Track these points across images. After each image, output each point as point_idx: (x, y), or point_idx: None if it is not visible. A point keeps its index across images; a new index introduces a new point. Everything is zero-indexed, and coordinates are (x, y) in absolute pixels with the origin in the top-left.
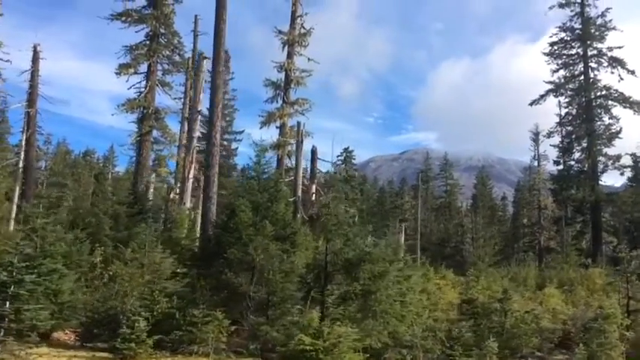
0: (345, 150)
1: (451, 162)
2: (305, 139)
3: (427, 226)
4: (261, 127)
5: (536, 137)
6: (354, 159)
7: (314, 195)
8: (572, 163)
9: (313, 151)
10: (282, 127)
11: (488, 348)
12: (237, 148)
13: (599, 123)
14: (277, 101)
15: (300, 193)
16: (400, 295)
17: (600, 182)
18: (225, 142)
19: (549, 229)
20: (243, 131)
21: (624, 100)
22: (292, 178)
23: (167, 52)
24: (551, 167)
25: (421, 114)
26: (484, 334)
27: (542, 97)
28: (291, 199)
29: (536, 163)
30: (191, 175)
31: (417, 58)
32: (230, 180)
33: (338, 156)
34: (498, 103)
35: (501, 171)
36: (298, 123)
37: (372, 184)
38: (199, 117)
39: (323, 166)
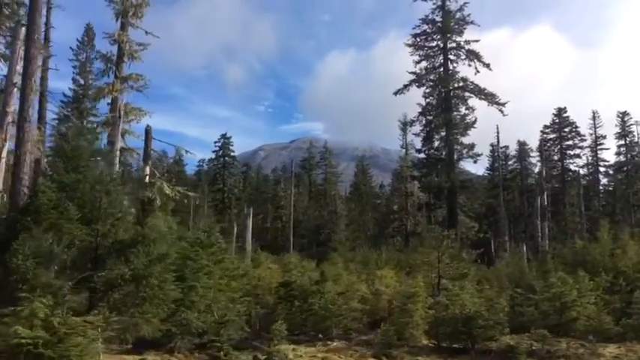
0: (223, 136)
1: (331, 150)
2: (142, 118)
3: (305, 213)
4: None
5: (404, 126)
6: (232, 145)
7: (147, 177)
8: (432, 151)
9: (147, 131)
10: (113, 104)
11: (275, 331)
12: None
13: (455, 113)
14: (109, 76)
15: None
16: (193, 280)
17: (465, 169)
18: (89, 125)
19: (415, 214)
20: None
21: (479, 92)
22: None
23: (11, 24)
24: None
25: (309, 104)
26: (296, 316)
27: (405, 87)
28: None
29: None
30: (3, 155)
31: (306, 49)
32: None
33: (215, 142)
34: (382, 94)
35: (385, 161)
36: (115, 98)
37: (257, 172)
38: (15, 90)
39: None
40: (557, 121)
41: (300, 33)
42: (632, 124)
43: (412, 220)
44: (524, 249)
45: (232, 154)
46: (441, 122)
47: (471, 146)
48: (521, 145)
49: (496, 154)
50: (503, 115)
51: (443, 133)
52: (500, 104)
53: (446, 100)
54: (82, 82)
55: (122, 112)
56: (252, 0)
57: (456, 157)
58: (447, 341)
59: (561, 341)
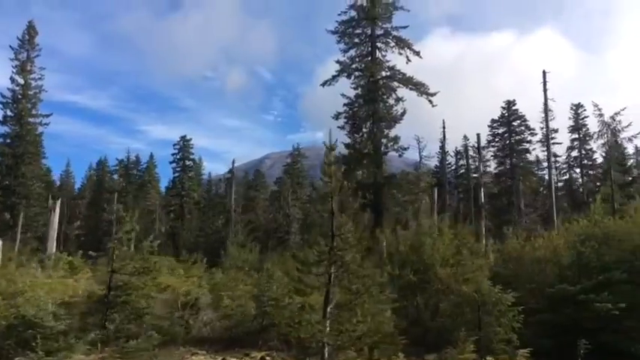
0: (182, 138)
1: (304, 154)
2: None
3: (263, 217)
4: None
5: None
6: (192, 147)
7: None
8: (357, 145)
9: None
10: None
11: None
12: (42, 133)
13: (382, 105)
14: None
15: None
16: None
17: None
18: (29, 127)
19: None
20: (51, 114)
21: (407, 81)
22: None
23: None
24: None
25: (310, 112)
26: None
27: (334, 77)
28: None
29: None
30: None
31: (312, 56)
32: (31, 167)
33: (175, 144)
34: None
35: (389, 167)
36: None
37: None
38: None
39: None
40: (505, 114)
41: (306, 40)
42: (585, 117)
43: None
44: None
45: (192, 156)
46: (367, 114)
47: (395, 139)
48: (467, 140)
49: (445, 150)
50: (433, 106)
51: (370, 126)
52: (430, 94)
53: (371, 91)
54: (21, 81)
55: None
56: (252, 7)
57: (382, 151)
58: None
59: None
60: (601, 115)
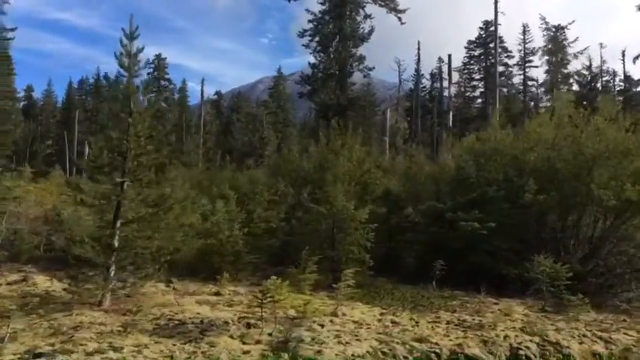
0: (157, 57)
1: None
2: None
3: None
4: None
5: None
6: (167, 67)
7: None
8: (322, 65)
9: None
10: None
11: None
12: (7, 48)
13: (349, 22)
14: None
15: None
16: None
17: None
18: None
19: None
20: (16, 28)
21: None
22: None
23: None
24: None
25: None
26: None
27: None
28: None
29: None
30: None
31: None
32: None
33: (150, 63)
34: (380, 22)
35: (383, 93)
36: None
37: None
38: None
39: None
40: (483, 35)
41: None
42: (563, 40)
43: None
44: None
45: (167, 76)
46: (333, 31)
47: (360, 58)
48: (442, 62)
49: (419, 73)
50: (402, 24)
51: (335, 45)
52: (399, 11)
53: (338, 6)
54: None
55: None
56: None
57: (348, 71)
58: None
59: None
60: (548, 29)
